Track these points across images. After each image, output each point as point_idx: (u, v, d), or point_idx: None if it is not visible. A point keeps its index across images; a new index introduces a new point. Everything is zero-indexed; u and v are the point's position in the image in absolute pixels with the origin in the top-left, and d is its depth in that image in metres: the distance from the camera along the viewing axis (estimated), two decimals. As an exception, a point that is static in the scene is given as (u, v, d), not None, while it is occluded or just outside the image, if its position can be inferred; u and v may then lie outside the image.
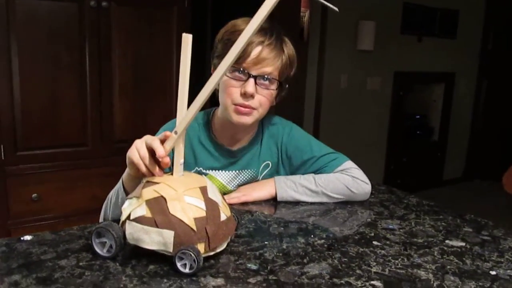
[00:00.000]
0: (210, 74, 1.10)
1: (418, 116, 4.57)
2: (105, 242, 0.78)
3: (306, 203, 1.12)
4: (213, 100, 1.04)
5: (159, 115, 2.23)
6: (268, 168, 1.19)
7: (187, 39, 0.76)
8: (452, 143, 4.69)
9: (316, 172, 1.17)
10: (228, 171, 1.16)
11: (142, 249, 0.77)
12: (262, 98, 1.06)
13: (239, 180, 1.18)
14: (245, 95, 1.03)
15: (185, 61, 0.77)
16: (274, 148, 1.19)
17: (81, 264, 0.77)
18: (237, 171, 1.17)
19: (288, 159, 1.19)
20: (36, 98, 1.97)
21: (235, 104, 1.05)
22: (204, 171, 1.14)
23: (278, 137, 1.19)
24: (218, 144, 1.15)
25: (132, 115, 2.20)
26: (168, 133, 0.81)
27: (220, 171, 1.16)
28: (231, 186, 1.17)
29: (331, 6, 0.73)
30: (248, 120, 1.06)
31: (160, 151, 0.80)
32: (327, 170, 1.16)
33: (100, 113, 2.13)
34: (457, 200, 4.13)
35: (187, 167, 1.12)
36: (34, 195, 2.02)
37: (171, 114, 2.55)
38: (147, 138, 0.84)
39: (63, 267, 0.75)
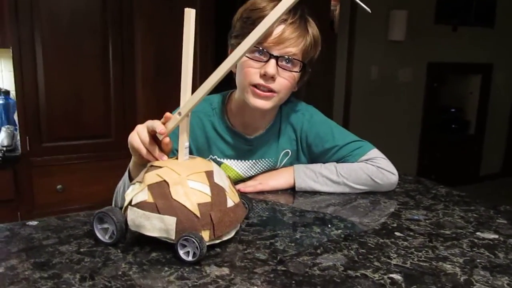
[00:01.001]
0: (227, 56, 1.07)
1: (453, 109, 4.39)
2: (107, 228, 0.75)
3: (326, 193, 1.06)
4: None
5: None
6: (288, 156, 1.13)
7: (189, 14, 0.71)
8: (490, 137, 4.48)
9: (338, 161, 1.10)
10: (245, 160, 1.11)
11: (147, 236, 0.73)
12: (284, 81, 0.97)
13: (256, 170, 1.12)
14: (265, 76, 0.95)
15: (188, 37, 0.73)
16: (293, 136, 1.12)
17: (81, 250, 0.73)
18: (254, 161, 1.11)
19: (308, 148, 1.12)
20: (60, 89, 1.98)
21: (254, 85, 0.97)
22: (219, 159, 1.09)
23: (297, 124, 1.11)
24: (234, 131, 1.09)
25: (155, 105, 2.19)
26: (168, 114, 0.77)
27: (236, 160, 1.10)
28: (247, 175, 1.12)
29: (363, 5, 0.66)
30: (266, 104, 0.99)
31: (160, 127, 0.77)
32: (350, 159, 1.09)
33: (123, 104, 2.12)
34: (495, 196, 3.94)
35: (201, 155, 1.07)
36: (59, 186, 2.03)
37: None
38: (149, 122, 0.81)
39: (63, 253, 0.72)
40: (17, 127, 1.99)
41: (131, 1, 2.04)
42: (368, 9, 0.66)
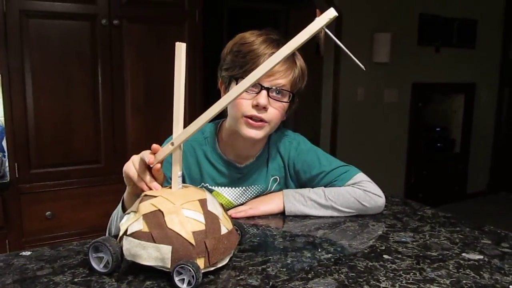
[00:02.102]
0: (218, 89, 1.10)
1: (438, 128, 4.47)
2: (102, 257, 0.76)
3: (315, 216, 1.08)
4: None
5: (171, 130, 2.22)
6: (277, 183, 1.16)
7: (180, 48, 0.74)
8: (475, 155, 4.57)
9: (326, 186, 1.12)
10: (235, 187, 1.13)
11: (140, 264, 0.74)
12: (274, 111, 1.02)
13: (246, 196, 1.15)
14: (257, 107, 0.99)
15: (179, 70, 0.75)
16: (281, 163, 1.16)
17: (76, 280, 0.74)
18: (244, 188, 1.14)
19: (296, 174, 1.15)
20: (49, 116, 1.99)
21: (246, 117, 1.01)
22: (210, 187, 1.12)
23: (285, 152, 1.15)
24: (225, 160, 1.12)
25: (145, 131, 2.20)
26: (155, 146, 0.80)
27: (226, 187, 1.13)
28: (238, 202, 1.14)
29: (358, 62, 0.70)
30: (258, 134, 1.02)
31: (148, 157, 0.79)
32: (337, 183, 1.11)
33: (113, 130, 2.13)
34: (482, 214, 3.99)
35: (193, 182, 1.10)
36: (48, 212, 2.02)
37: (183, 129, 2.50)
38: (143, 152, 0.83)
39: (57, 283, 0.73)
40: (6, 154, 1.98)
41: (120, 30, 2.07)
42: (363, 67, 0.70)
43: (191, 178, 1.11)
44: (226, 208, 1.02)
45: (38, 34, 1.92)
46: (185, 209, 0.74)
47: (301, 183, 1.16)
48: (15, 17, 1.87)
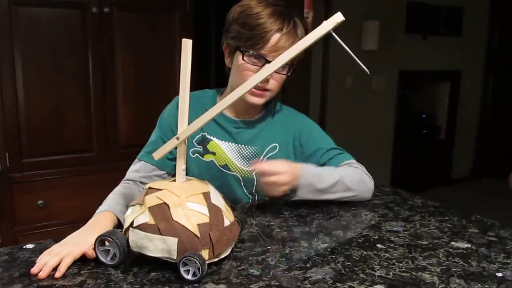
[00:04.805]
0: (222, 52, 1.15)
1: (424, 115, 4.54)
2: (109, 250, 0.78)
3: (310, 206, 1.12)
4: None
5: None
6: (276, 151, 1.18)
7: (187, 44, 0.76)
8: (460, 141, 4.66)
9: (323, 164, 1.17)
10: (231, 142, 1.17)
11: (145, 256, 0.77)
12: (276, 82, 1.10)
13: (241, 156, 1.17)
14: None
15: (186, 66, 0.77)
16: (286, 133, 1.20)
17: (82, 272, 0.77)
18: (240, 145, 1.17)
19: (301, 147, 1.20)
20: (40, 105, 1.99)
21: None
22: (208, 136, 1.16)
23: (291, 122, 1.21)
24: (223, 114, 1.17)
25: (137, 120, 2.21)
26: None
27: (223, 141, 1.17)
28: (233, 158, 1.17)
29: (364, 67, 0.73)
30: (261, 100, 1.11)
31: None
32: (333, 163, 1.17)
33: (104, 118, 2.13)
34: (466, 199, 4.09)
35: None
36: (40, 201, 2.03)
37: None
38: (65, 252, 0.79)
39: (64, 276, 0.75)
40: (-3, 143, 1.98)
41: (110, 18, 2.06)
42: (367, 70, 0.73)
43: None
44: (222, 166, 1.15)
45: (27, 22, 1.90)
46: (190, 202, 0.76)
47: (303, 157, 1.19)
48: (4, 5, 1.84)
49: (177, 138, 0.79)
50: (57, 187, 2.07)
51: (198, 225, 0.75)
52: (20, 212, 2.00)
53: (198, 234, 0.74)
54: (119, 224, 0.96)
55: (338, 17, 0.66)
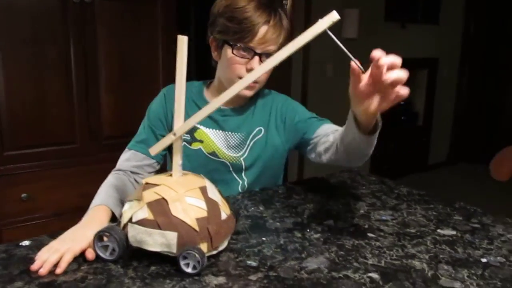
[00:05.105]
0: (208, 45, 1.16)
1: (402, 102, 4.60)
2: (107, 245, 0.79)
3: (300, 197, 1.14)
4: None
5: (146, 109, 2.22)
6: (262, 134, 1.21)
7: (182, 41, 0.76)
8: (437, 128, 4.76)
9: (309, 131, 1.17)
10: (218, 130, 1.19)
11: (142, 250, 0.78)
12: (264, 73, 1.09)
13: (228, 143, 1.19)
14: (251, 71, 1.05)
15: (181, 62, 0.77)
16: (268, 114, 1.22)
17: (82, 268, 0.77)
18: (226, 132, 1.19)
19: (283, 123, 1.22)
20: (21, 97, 1.95)
21: (241, 79, 1.07)
22: (195, 124, 1.16)
23: (272, 104, 1.24)
24: (209, 102, 1.17)
25: (120, 111, 2.19)
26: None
27: (209, 128, 1.19)
28: (220, 145, 1.19)
29: (359, 65, 0.74)
30: (251, 93, 1.14)
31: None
32: (316, 128, 1.17)
33: (87, 110, 2.11)
34: (444, 184, 4.21)
35: None
36: (24, 194, 2.00)
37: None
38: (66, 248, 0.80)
39: (65, 272, 0.76)
40: (-23, 136, 1.94)
41: (92, 8, 2.03)
42: (362, 68, 0.74)
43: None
44: (209, 153, 1.18)
45: (6, 12, 1.86)
46: (188, 197, 0.78)
47: (286, 133, 1.22)
48: (-19, -5, 1.80)
49: (174, 134, 0.80)
50: (40, 179, 2.05)
51: (197, 219, 0.76)
52: (3, 205, 1.97)
53: (197, 228, 0.76)
54: (113, 217, 0.96)
55: (333, 16, 0.69)
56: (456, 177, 4.51)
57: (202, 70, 2.98)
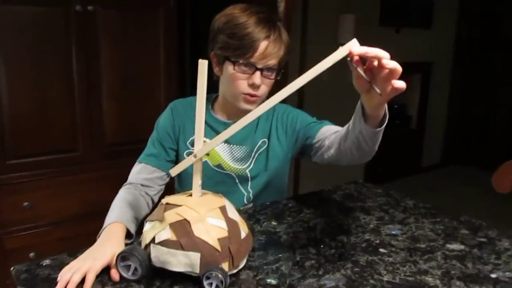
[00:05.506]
0: (209, 59, 1.13)
1: (396, 106, 4.67)
2: (130, 265, 0.80)
3: (310, 211, 1.17)
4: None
5: (148, 117, 2.21)
6: (265, 146, 1.24)
7: (203, 66, 0.78)
8: (430, 131, 4.82)
9: (314, 135, 1.18)
10: (222, 143, 1.21)
11: (165, 269, 0.80)
12: (266, 86, 1.14)
13: (233, 156, 1.22)
14: (252, 85, 1.11)
15: (202, 85, 0.79)
16: (270, 124, 1.25)
17: (106, 287, 0.79)
18: (231, 146, 1.21)
19: (285, 133, 1.24)
20: (24, 105, 1.95)
21: (244, 94, 1.12)
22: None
23: (274, 115, 1.26)
24: (214, 117, 1.23)
25: (122, 118, 2.19)
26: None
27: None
28: (226, 158, 1.21)
29: (377, 90, 0.77)
30: (253, 106, 1.14)
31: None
32: (319, 129, 1.19)
33: (89, 117, 2.11)
34: (437, 187, 4.26)
35: (186, 136, 1.21)
36: (26, 203, 2.00)
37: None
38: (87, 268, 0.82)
39: (91, 292, 0.77)
40: (-22, 145, 1.93)
41: (94, 16, 2.03)
42: (379, 91, 0.76)
43: (185, 134, 1.22)
44: (215, 165, 1.20)
45: (9, 20, 1.85)
46: (209, 217, 0.79)
47: (288, 141, 1.24)
48: (-16, 4, 1.79)
49: (195, 156, 0.82)
50: (42, 188, 2.04)
51: (219, 239, 0.78)
52: (5, 214, 1.96)
53: (219, 248, 0.78)
54: (127, 233, 0.98)
55: (354, 43, 0.71)
56: (450, 180, 4.57)
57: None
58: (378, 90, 0.76)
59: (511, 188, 1.28)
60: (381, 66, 0.76)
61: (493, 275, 0.87)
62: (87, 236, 2.07)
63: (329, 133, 1.14)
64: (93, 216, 2.27)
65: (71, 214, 2.11)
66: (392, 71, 0.75)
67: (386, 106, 0.89)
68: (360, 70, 0.77)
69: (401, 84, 0.77)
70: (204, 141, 1.16)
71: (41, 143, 2.03)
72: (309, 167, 1.05)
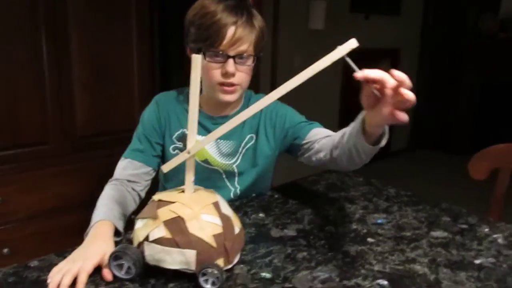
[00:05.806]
0: (187, 56, 1.12)
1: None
2: (123, 264, 0.79)
3: (297, 201, 1.18)
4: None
5: (121, 109, 2.17)
6: (253, 141, 1.23)
7: (196, 60, 0.76)
8: (398, 116, 4.92)
9: (300, 137, 1.19)
10: None
11: (159, 267, 0.79)
12: (242, 74, 1.11)
13: (220, 150, 1.20)
14: (226, 74, 1.08)
15: (195, 80, 0.78)
16: (258, 120, 1.23)
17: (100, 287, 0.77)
18: (217, 140, 1.20)
19: (273, 129, 1.23)
20: (-9, 97, 1.87)
21: (220, 84, 1.10)
22: (187, 132, 1.17)
23: (262, 110, 1.19)
24: (201, 111, 1.19)
25: (94, 110, 2.13)
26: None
27: (201, 136, 1.18)
28: (212, 153, 1.20)
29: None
30: (233, 97, 1.12)
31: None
32: (308, 131, 1.19)
33: (60, 110, 2.04)
34: (407, 170, 4.38)
35: (173, 130, 1.20)
36: (-3, 198, 1.93)
37: (133, 107, 2.46)
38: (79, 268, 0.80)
39: (83, 293, 0.76)
40: None
41: (64, 4, 1.95)
42: (377, 93, 0.76)
43: (172, 128, 1.20)
44: (202, 161, 1.18)
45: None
46: (203, 214, 0.79)
47: (278, 137, 1.23)
48: None
49: (188, 152, 0.81)
50: (12, 183, 1.97)
51: (213, 236, 0.78)
52: (-25, 211, 1.89)
53: (214, 245, 0.77)
54: (115, 231, 0.96)
55: (352, 43, 0.71)
56: (417, 164, 4.71)
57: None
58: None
59: (487, 175, 1.33)
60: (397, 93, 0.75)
61: (477, 261, 0.90)
62: (61, 230, 2.05)
63: (319, 137, 1.15)
64: (66, 209, 2.22)
65: (44, 209, 2.05)
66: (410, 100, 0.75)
67: (387, 127, 0.90)
68: (356, 68, 0.77)
69: (404, 118, 0.80)
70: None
71: (10, 137, 1.95)
72: (282, 156, 1.06)
